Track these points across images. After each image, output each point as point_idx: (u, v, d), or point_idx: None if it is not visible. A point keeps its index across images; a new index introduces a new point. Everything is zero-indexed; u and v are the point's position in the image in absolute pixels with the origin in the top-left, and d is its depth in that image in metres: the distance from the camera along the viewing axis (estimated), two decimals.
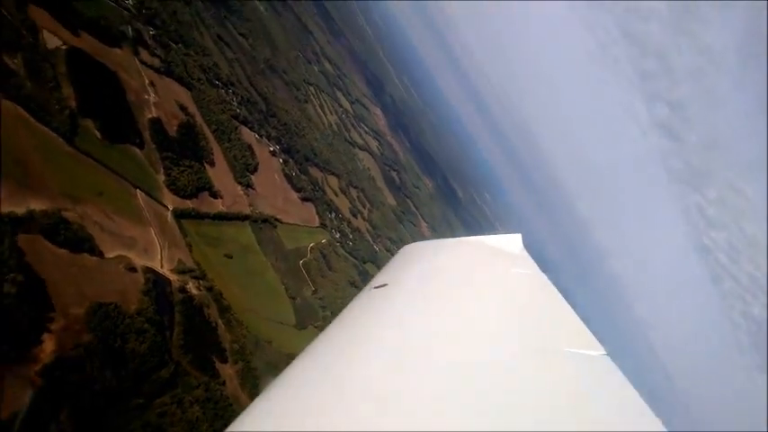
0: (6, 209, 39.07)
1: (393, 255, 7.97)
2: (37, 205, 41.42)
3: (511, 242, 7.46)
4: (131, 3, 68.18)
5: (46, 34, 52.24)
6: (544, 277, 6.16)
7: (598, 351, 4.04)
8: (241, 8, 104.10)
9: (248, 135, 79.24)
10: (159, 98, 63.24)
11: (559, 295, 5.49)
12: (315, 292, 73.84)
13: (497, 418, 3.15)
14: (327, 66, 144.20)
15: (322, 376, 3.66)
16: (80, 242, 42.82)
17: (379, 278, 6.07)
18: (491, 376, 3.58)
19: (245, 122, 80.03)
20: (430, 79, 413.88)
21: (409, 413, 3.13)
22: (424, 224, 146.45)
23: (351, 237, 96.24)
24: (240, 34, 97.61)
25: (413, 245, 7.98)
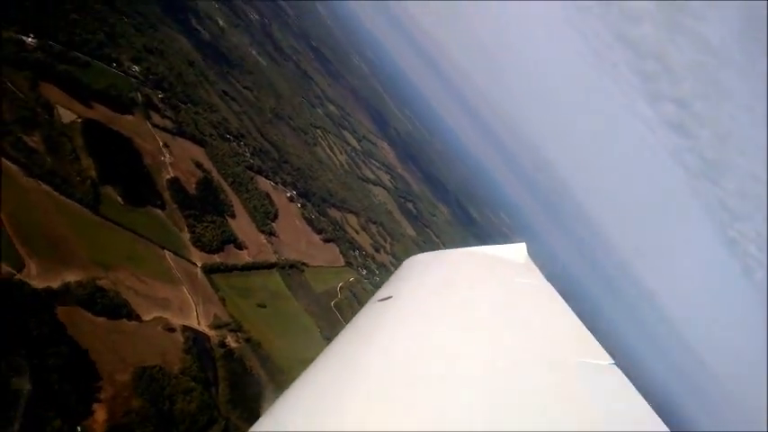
0: (42, 284, 39.28)
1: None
2: (71, 277, 41.61)
3: (516, 252, 7.50)
4: (138, 70, 69.48)
5: (60, 109, 53.29)
6: (550, 286, 6.17)
7: (606, 360, 3.99)
8: (242, 62, 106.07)
9: (264, 184, 79.67)
10: (175, 158, 63.90)
11: (565, 304, 5.50)
12: None
13: (505, 428, 3.14)
14: (331, 107, 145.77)
15: (324, 392, 3.63)
16: (117, 308, 42.85)
17: (384, 290, 6.03)
18: (497, 386, 3.55)
19: (259, 172, 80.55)
20: (429, 107, 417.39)
21: (414, 424, 3.11)
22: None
23: (377, 272, 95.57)
24: (244, 87, 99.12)
25: (417, 256, 7.87)
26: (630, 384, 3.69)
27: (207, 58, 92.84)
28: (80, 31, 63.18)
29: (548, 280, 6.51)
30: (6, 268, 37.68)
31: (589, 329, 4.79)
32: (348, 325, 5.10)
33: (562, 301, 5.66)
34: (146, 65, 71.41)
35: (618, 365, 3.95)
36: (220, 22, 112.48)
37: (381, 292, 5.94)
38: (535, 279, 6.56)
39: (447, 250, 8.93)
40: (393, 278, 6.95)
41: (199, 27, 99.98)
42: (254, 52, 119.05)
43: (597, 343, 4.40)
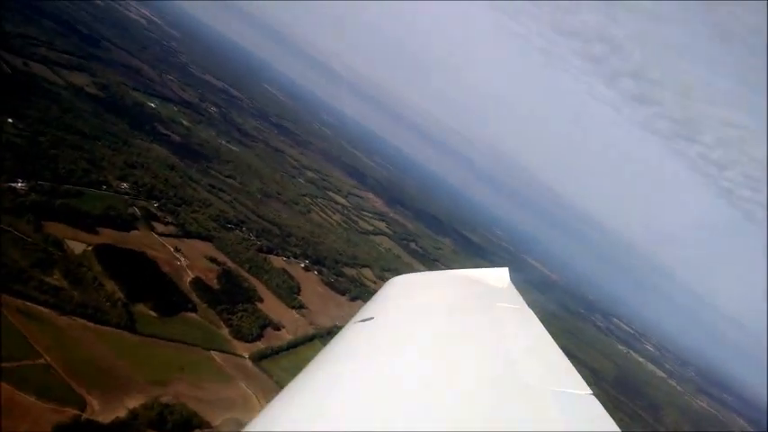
0: (109, 417, 37.85)
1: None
2: (133, 402, 40.21)
3: (498, 276, 7.48)
4: (127, 186, 69.31)
5: (69, 243, 52.60)
6: (530, 312, 6.14)
7: (584, 390, 3.89)
8: (217, 154, 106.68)
9: (278, 261, 78.85)
10: (189, 260, 63.11)
11: (546, 332, 5.43)
12: None
13: None
14: (310, 174, 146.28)
15: (299, 414, 3.53)
16: (187, 421, 41.37)
17: (366, 310, 6.01)
18: (473, 413, 3.45)
19: (270, 251, 79.84)
20: (394, 148, 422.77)
21: None
22: None
23: None
24: (227, 176, 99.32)
25: (400, 277, 7.85)
26: (607, 415, 3.56)
27: (184, 158, 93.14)
28: (63, 165, 63.24)
29: (529, 306, 6.44)
30: (71, 411, 36.30)
31: (568, 357, 4.66)
32: (327, 345, 5.01)
33: (543, 328, 5.59)
34: (132, 179, 71.37)
35: (595, 395, 3.82)
36: (185, 123, 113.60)
37: (363, 313, 5.92)
38: (516, 304, 6.50)
39: (430, 272, 9.05)
40: (375, 298, 6.87)
41: (167, 132, 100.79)
42: (223, 142, 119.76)
43: (576, 372, 4.27)
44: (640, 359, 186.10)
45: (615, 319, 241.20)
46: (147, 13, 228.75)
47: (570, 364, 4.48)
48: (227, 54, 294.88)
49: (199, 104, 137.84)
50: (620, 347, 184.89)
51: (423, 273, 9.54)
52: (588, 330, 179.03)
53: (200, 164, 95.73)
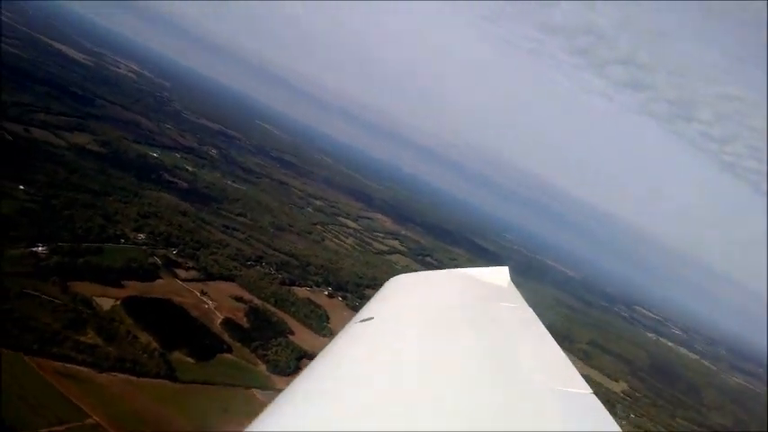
0: None
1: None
2: None
3: (498, 275, 7.47)
4: (144, 237, 69.37)
5: (97, 300, 52.49)
6: (531, 312, 6.12)
7: (584, 389, 3.89)
8: (225, 194, 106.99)
9: (302, 292, 78.58)
10: (216, 301, 62.90)
11: (546, 331, 5.43)
12: None
13: None
14: (317, 202, 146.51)
15: (300, 414, 3.54)
16: None
17: (366, 310, 6.02)
18: (474, 413, 3.43)
19: (292, 283, 79.63)
20: (393, 167, 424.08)
21: None
22: None
23: None
24: (238, 215, 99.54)
25: (399, 277, 7.83)
26: (608, 414, 3.55)
27: (194, 203, 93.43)
28: (79, 224, 63.53)
29: (529, 305, 6.41)
30: None
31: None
32: (327, 346, 4.94)
33: (542, 326, 5.57)
34: (148, 230, 71.57)
35: (595, 394, 3.82)
36: (189, 168, 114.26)
37: (363, 312, 5.92)
38: (516, 303, 6.51)
39: (429, 272, 8.97)
40: (375, 298, 6.88)
41: (174, 179, 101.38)
42: (229, 182, 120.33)
43: (576, 371, 4.26)
44: (670, 344, 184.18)
45: (638, 308, 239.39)
46: (135, 68, 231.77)
47: (570, 364, 4.45)
48: (216, 96, 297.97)
49: (199, 148, 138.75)
50: (649, 335, 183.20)
51: (422, 272, 9.15)
52: (615, 322, 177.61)
53: (210, 206, 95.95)
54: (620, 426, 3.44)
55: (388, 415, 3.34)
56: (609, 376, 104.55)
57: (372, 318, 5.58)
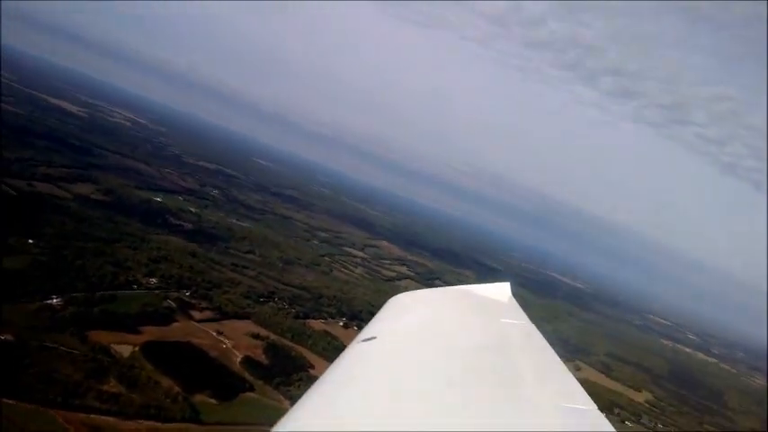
0: None
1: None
2: None
3: (500, 290, 7.50)
4: (156, 281, 69.10)
5: (116, 347, 52.06)
6: (533, 327, 6.15)
7: (588, 405, 3.89)
8: (231, 233, 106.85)
9: (317, 324, 78.00)
10: (233, 340, 62.32)
11: (548, 345, 5.45)
12: None
13: None
14: (322, 234, 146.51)
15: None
16: None
17: (368, 330, 6.04)
18: (477, 429, 3.45)
19: (306, 316, 79.17)
20: (393, 195, 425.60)
21: None
22: None
23: None
24: (246, 252, 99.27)
25: (401, 295, 7.85)
26: (613, 429, 3.55)
27: (202, 243, 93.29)
28: (91, 273, 63.31)
29: (531, 321, 6.48)
30: None
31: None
32: (330, 366, 4.97)
33: (545, 342, 5.61)
34: (160, 274, 71.41)
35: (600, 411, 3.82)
36: (193, 210, 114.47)
37: (366, 332, 5.94)
38: (519, 319, 6.54)
39: (431, 289, 9.02)
40: (378, 317, 6.89)
41: (179, 222, 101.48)
42: (234, 220, 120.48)
43: (580, 386, 4.26)
44: (687, 350, 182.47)
45: (651, 316, 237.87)
46: (130, 116, 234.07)
47: (574, 379, 4.43)
48: (211, 137, 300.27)
49: (201, 190, 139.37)
50: (665, 342, 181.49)
51: (424, 290, 9.06)
52: (630, 331, 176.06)
53: (218, 246, 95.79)
54: None
55: None
56: (631, 387, 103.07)
57: (375, 337, 5.58)
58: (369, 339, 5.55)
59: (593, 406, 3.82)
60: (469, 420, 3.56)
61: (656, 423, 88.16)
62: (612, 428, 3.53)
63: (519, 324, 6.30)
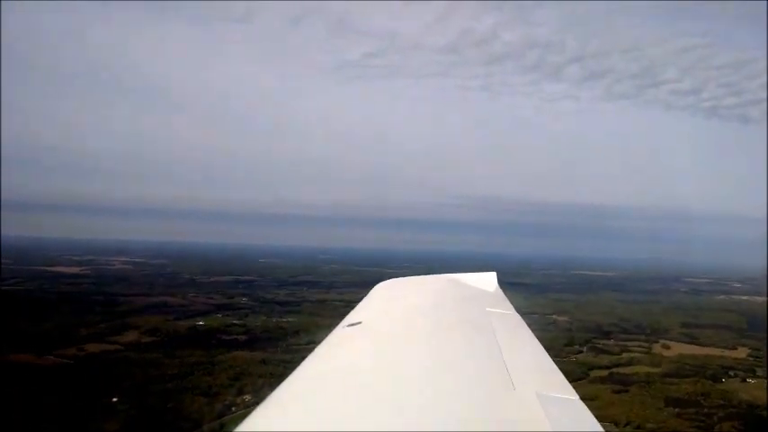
0: None
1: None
2: None
3: (486, 280, 7.53)
4: (249, 398, 66.35)
5: None
6: (518, 317, 6.15)
7: (571, 395, 3.82)
8: (284, 332, 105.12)
9: None
10: None
11: (533, 336, 5.43)
12: None
13: None
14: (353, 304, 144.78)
15: (287, 417, 3.37)
16: None
17: (353, 315, 5.98)
18: (460, 416, 3.33)
19: None
20: (399, 252, 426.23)
21: None
22: None
23: None
24: (308, 344, 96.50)
25: (387, 281, 7.91)
26: (594, 419, 3.45)
27: (266, 349, 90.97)
28: (188, 411, 61.32)
29: (517, 311, 6.39)
30: None
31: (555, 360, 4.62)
32: (314, 351, 4.87)
33: (530, 332, 5.57)
34: (247, 390, 68.65)
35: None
36: (236, 322, 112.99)
37: (350, 317, 5.84)
38: (504, 309, 6.48)
39: (417, 276, 8.95)
40: (363, 302, 6.88)
41: (231, 337, 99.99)
42: (277, 318, 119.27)
43: (563, 377, 4.20)
44: (743, 297, 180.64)
45: (690, 279, 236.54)
46: (126, 259, 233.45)
47: (557, 369, 4.39)
48: (208, 254, 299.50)
49: (231, 302, 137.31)
50: (720, 297, 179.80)
51: (410, 277, 9.09)
52: (684, 299, 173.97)
53: (279, 346, 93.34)
54: None
55: (375, 417, 3.21)
56: (725, 347, 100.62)
57: (360, 322, 5.49)
58: (353, 324, 5.47)
59: (576, 396, 3.71)
60: (450, 407, 3.43)
61: None
62: (594, 419, 3.38)
63: (504, 313, 6.19)
